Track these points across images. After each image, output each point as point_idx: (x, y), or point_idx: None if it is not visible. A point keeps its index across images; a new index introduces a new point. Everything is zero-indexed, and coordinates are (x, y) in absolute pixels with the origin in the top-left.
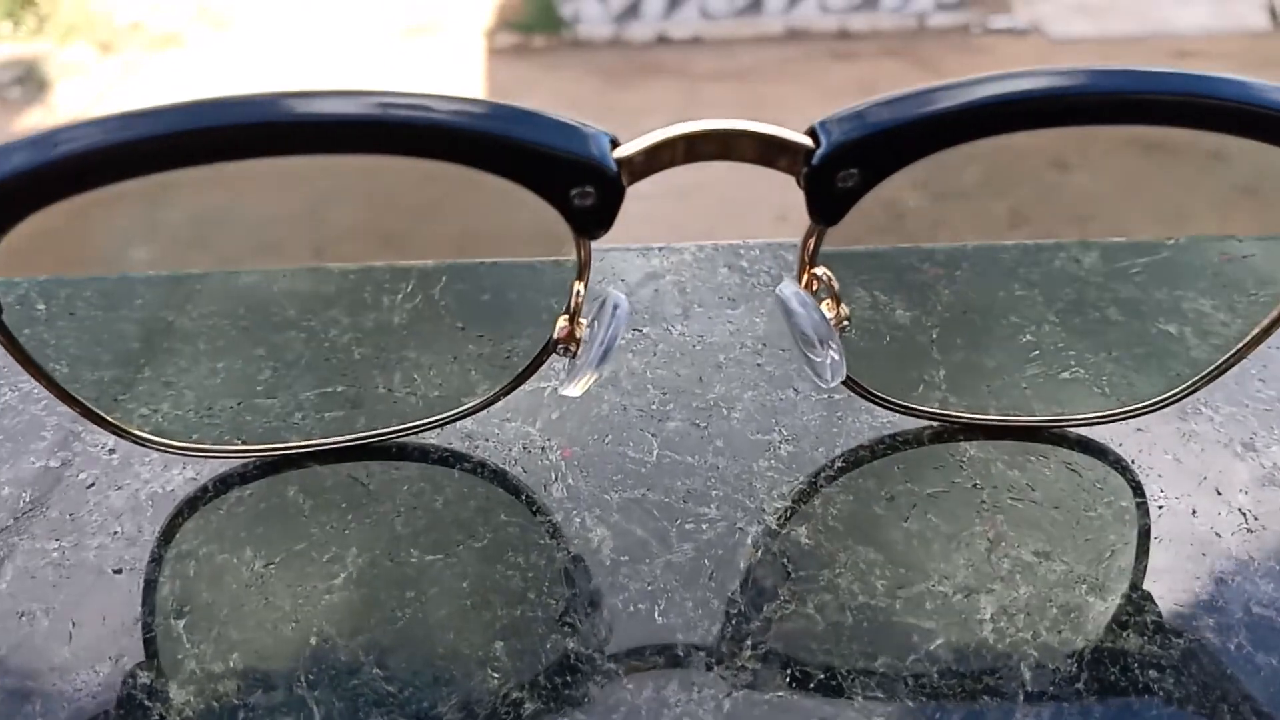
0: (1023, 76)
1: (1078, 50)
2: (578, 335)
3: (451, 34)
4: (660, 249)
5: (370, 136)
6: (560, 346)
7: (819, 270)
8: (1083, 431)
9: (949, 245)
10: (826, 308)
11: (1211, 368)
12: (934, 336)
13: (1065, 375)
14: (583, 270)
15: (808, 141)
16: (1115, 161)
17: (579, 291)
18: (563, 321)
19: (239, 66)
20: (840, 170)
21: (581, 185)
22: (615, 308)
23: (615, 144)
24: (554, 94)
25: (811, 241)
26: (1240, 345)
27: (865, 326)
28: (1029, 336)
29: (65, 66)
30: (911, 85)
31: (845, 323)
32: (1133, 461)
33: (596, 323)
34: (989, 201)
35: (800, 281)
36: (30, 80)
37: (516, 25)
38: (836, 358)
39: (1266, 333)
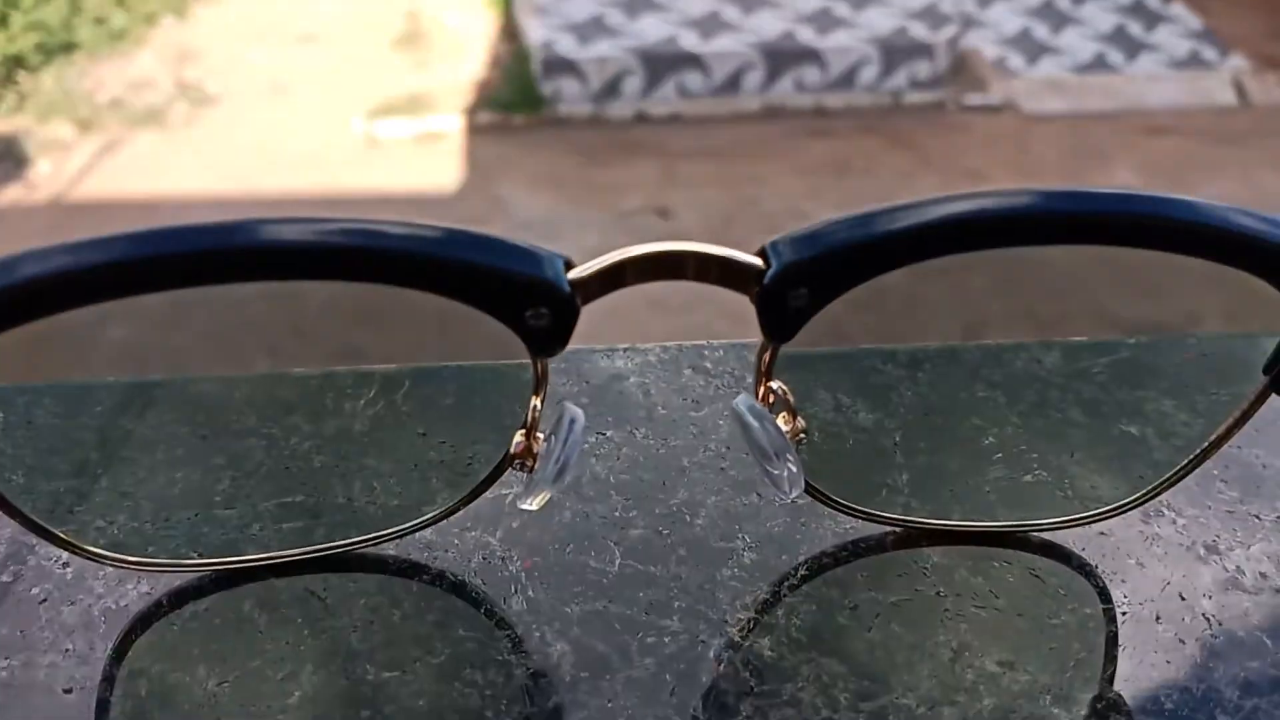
0: (971, 198)
1: (1052, 126)
2: (534, 450)
3: (431, 112)
4: (625, 349)
5: (327, 264)
6: (517, 462)
7: (774, 384)
8: (1046, 536)
9: (910, 346)
10: (783, 421)
11: (1174, 471)
12: (897, 440)
13: (1028, 478)
14: (539, 385)
15: (758, 263)
16: None
17: (535, 406)
18: (519, 436)
19: (220, 144)
20: (791, 290)
21: (536, 307)
22: (571, 423)
23: (570, 266)
24: (534, 172)
25: (766, 356)
26: (1202, 448)
27: (828, 430)
28: (991, 439)
29: (45, 144)
30: (887, 161)
31: (802, 436)
32: (1096, 566)
33: (554, 438)
34: (966, 273)
35: (757, 395)
36: (9, 157)
37: (496, 104)
38: (794, 470)
39: (1227, 435)
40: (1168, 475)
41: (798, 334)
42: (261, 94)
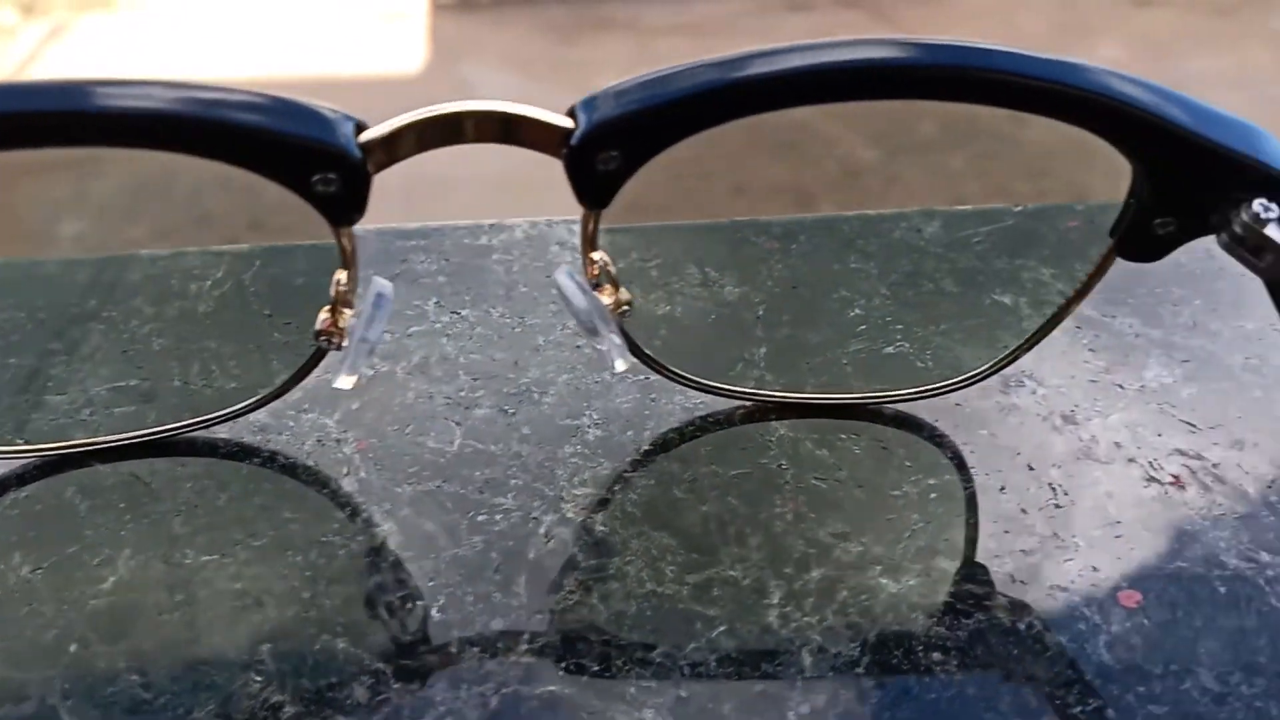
0: (790, 53)
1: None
2: (341, 326)
3: None
4: (490, 225)
5: (98, 129)
6: (323, 339)
7: (596, 255)
8: (901, 408)
9: (787, 218)
10: (606, 294)
11: (1021, 342)
12: (760, 313)
13: (889, 350)
14: (347, 259)
15: (567, 123)
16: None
17: (339, 281)
18: (324, 314)
19: (168, 25)
20: (600, 152)
21: (323, 172)
22: (378, 298)
23: (363, 128)
24: (501, 51)
25: (590, 225)
26: (1054, 313)
27: (692, 304)
28: (858, 311)
29: None
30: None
31: (625, 308)
32: (947, 437)
33: (360, 314)
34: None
35: (586, 268)
36: None
37: None
38: (618, 342)
39: (1075, 301)
40: (1017, 345)
41: (615, 200)
42: None
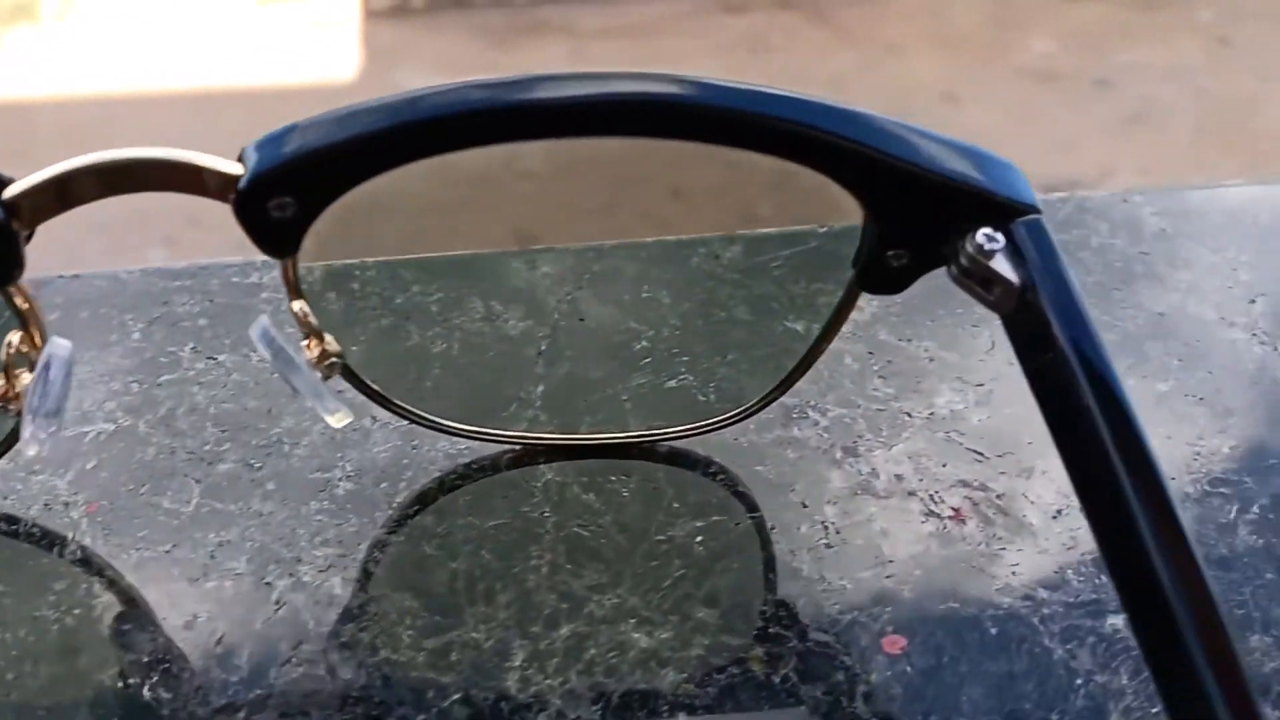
0: (465, 90)
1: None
2: (19, 391)
3: None
4: (263, 262)
5: None
6: (1, 405)
7: (296, 305)
8: (677, 444)
9: (582, 245)
10: (312, 346)
11: (781, 380)
12: (542, 348)
13: (671, 384)
14: (22, 318)
15: (233, 170)
16: None
17: (10, 344)
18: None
19: (98, 36)
20: (271, 200)
21: None
22: (48, 360)
23: (5, 184)
24: (434, 58)
25: (290, 272)
26: (814, 342)
27: (470, 340)
28: (644, 343)
29: None
30: (805, 36)
31: (334, 360)
32: (721, 475)
33: (34, 377)
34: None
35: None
36: None
37: None
38: (322, 396)
39: (826, 338)
40: (777, 382)
41: (303, 247)
42: None
